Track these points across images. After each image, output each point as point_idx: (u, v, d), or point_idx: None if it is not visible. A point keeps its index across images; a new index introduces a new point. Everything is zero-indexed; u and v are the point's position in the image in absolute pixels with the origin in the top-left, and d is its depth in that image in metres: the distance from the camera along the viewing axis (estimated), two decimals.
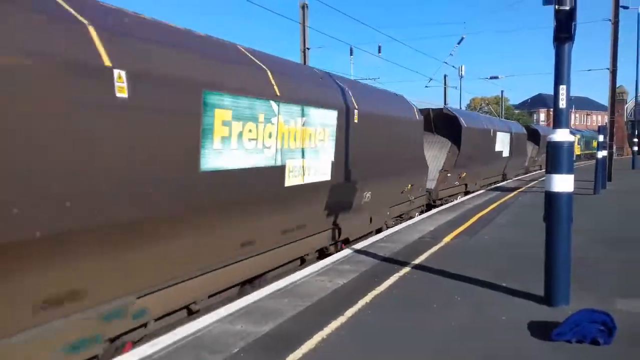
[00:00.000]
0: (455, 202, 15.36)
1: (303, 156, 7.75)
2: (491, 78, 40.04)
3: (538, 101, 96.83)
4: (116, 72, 4.46)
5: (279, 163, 7.09)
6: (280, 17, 79.55)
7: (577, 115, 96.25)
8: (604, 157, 17.49)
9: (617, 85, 21.73)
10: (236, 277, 6.69)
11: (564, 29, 5.02)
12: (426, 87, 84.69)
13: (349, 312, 5.18)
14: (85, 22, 4.41)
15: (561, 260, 5.18)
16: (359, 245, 8.71)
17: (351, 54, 32.85)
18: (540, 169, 33.28)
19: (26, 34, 3.85)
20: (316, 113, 7.98)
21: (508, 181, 23.92)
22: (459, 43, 32.38)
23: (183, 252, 5.56)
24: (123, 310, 4.84)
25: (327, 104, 8.39)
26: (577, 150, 47.89)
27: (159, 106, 4.97)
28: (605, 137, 18.12)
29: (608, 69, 20.59)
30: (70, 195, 4.15)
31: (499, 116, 48.28)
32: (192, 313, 6.00)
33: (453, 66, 43.23)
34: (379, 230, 11.02)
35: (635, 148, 33.58)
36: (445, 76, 41.86)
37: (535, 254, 6.40)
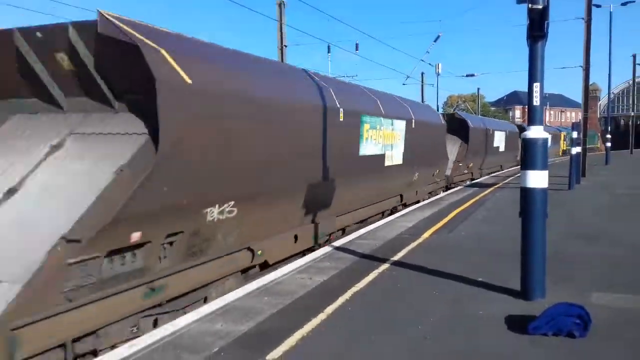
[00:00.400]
0: (434, 198, 15.50)
1: (391, 149, 12.80)
2: (467, 76, 40.42)
3: (513, 98, 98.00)
4: (341, 109, 9.59)
5: (382, 152, 12.22)
6: (257, 14, 78.87)
7: (551, 112, 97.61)
8: (577, 153, 17.79)
9: (591, 82, 22.12)
10: (363, 216, 12.07)
11: (537, 28, 5.09)
12: (403, 84, 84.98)
13: (329, 309, 5.20)
14: (329, 87, 9.63)
15: (537, 255, 5.27)
16: (339, 243, 8.74)
17: (329, 51, 32.98)
18: None
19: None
20: (397, 123, 13.07)
21: (493, 175, 24.28)
22: (435, 41, 32.72)
23: (351, 195, 10.81)
24: (331, 223, 10.18)
25: (401, 117, 13.50)
26: (564, 146, 49.25)
27: (349, 123, 10.12)
28: (579, 134, 18.43)
29: (581, 66, 20.95)
30: (337, 163, 9.46)
31: (475, 113, 48.81)
32: (343, 230, 11.01)
33: (430, 64, 43.66)
34: (416, 202, 15.46)
35: (609, 144, 34.24)
36: (422, 74, 42.17)
37: (511, 249, 6.50)
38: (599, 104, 67.95)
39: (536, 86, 5.21)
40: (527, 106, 5.50)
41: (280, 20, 20.07)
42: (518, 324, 4.63)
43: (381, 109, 12.02)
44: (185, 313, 5.79)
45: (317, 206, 9.20)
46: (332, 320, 4.92)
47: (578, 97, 25.27)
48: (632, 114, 54.02)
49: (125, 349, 4.32)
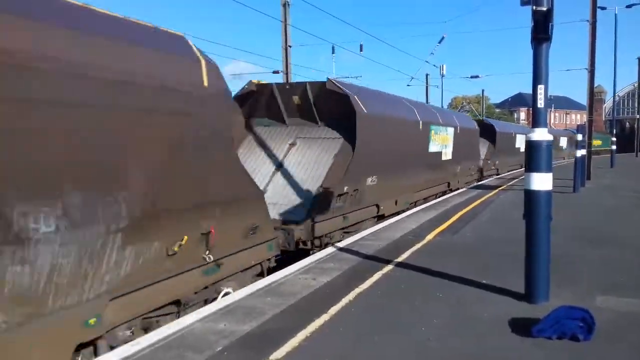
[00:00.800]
0: (438, 200, 15.50)
1: (445, 148, 17.62)
2: (472, 77, 40.51)
3: (518, 100, 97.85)
4: (420, 121, 14.84)
5: (440, 150, 17.01)
6: (262, 14, 79.03)
7: (556, 114, 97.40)
8: (582, 156, 17.74)
9: (596, 84, 22.07)
10: (426, 195, 16.19)
11: (542, 30, 5.08)
12: (408, 85, 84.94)
13: (333, 310, 5.20)
14: (413, 107, 14.95)
15: (541, 258, 5.25)
16: (343, 243, 8.74)
17: (333, 52, 33.06)
18: None
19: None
20: (449, 129, 17.99)
21: (496, 177, 24.29)
22: (440, 42, 32.82)
23: (422, 179, 15.49)
24: (411, 197, 14.64)
25: (452, 125, 18.47)
26: None
27: (424, 130, 15.18)
28: (584, 136, 18.37)
29: (586, 68, 20.90)
30: (416, 157, 14.91)
31: (480, 115, 48.73)
32: (415, 203, 14.85)
33: (434, 65, 43.64)
34: (457, 189, 19.27)
35: (614, 147, 34.12)
36: (427, 75, 42.19)
37: (515, 252, 6.48)
38: (604, 106, 67.79)
39: (540, 88, 5.20)
40: (531, 108, 5.49)
41: (285, 20, 20.09)
42: (522, 326, 4.61)
43: (440, 119, 17.15)
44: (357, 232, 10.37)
45: (405, 185, 14.04)
46: (335, 321, 4.92)
47: (583, 100, 25.25)
48: (638, 116, 53.86)
49: (128, 347, 4.33)
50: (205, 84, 5.98)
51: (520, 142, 32.29)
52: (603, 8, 25.42)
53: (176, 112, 5.50)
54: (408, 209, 13.60)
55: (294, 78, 21.71)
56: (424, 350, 4.25)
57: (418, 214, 12.25)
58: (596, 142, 50.66)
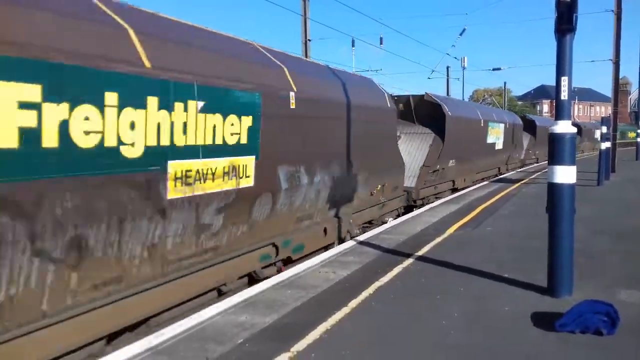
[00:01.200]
0: (460, 193, 15.40)
1: (497, 140, 21.71)
2: (494, 69, 40.01)
3: (541, 92, 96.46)
4: (482, 119, 19.78)
5: (494, 142, 21.36)
6: (281, 8, 78.90)
7: (580, 106, 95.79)
8: (607, 149, 17.45)
9: (621, 76, 21.71)
10: (481, 177, 20.63)
11: (565, 21, 5.00)
12: (428, 78, 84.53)
13: (353, 303, 5.22)
14: (476, 109, 21.20)
15: (564, 251, 5.20)
16: (363, 237, 8.75)
17: (353, 45, 32.86)
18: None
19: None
20: (500, 125, 22.01)
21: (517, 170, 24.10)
22: (461, 34, 32.39)
23: (481, 164, 20.51)
24: (473, 177, 19.91)
25: (502, 121, 22.32)
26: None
27: (484, 125, 19.76)
28: (608, 129, 18.06)
29: (611, 60, 20.52)
30: (480, 147, 19.99)
31: (502, 108, 48.21)
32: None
33: (455, 57, 43.13)
34: (506, 172, 24.27)
35: None
36: (447, 68, 41.83)
37: (538, 245, 6.42)
38: (629, 98, 66.46)
39: (564, 80, 5.12)
40: (554, 100, 5.42)
41: (305, 14, 20.05)
42: (544, 321, 4.57)
43: (494, 117, 21.58)
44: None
45: (471, 167, 18.83)
46: (355, 315, 4.94)
47: (608, 91, 24.82)
48: None
49: (153, 338, 4.40)
50: (388, 105, 11.85)
51: None
52: None
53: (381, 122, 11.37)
54: (472, 185, 18.22)
55: None
56: (445, 344, 4.24)
57: (439, 207, 12.19)
58: (631, 134, 50.07)
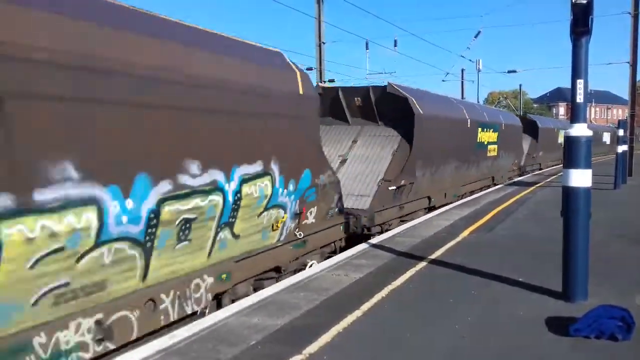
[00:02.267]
0: (473, 197, 15.29)
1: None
2: (509, 72, 39.54)
3: (557, 95, 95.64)
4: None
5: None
6: (295, 10, 79.02)
7: (597, 109, 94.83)
8: (624, 152, 17.24)
9: (638, 78, 21.42)
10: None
11: (581, 23, 4.96)
12: (443, 81, 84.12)
13: (365, 307, 5.21)
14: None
15: (579, 256, 5.14)
16: (376, 240, 8.73)
17: (367, 48, 32.76)
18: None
19: None
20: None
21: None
22: (475, 37, 32.23)
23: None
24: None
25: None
26: None
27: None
28: (625, 132, 17.85)
29: (628, 62, 20.29)
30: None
31: (517, 110, 47.89)
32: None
33: (470, 60, 43.03)
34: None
35: None
36: (462, 70, 41.62)
37: (552, 249, 6.36)
38: None
39: (580, 83, 5.08)
40: (570, 103, 5.37)
41: (319, 17, 20.11)
42: (559, 325, 4.53)
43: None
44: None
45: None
46: (368, 317, 4.93)
47: (625, 94, 24.50)
48: None
49: (166, 339, 4.44)
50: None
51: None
52: None
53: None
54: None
55: (327, 75, 21.73)
56: (458, 348, 4.22)
57: (452, 211, 12.12)
58: None
